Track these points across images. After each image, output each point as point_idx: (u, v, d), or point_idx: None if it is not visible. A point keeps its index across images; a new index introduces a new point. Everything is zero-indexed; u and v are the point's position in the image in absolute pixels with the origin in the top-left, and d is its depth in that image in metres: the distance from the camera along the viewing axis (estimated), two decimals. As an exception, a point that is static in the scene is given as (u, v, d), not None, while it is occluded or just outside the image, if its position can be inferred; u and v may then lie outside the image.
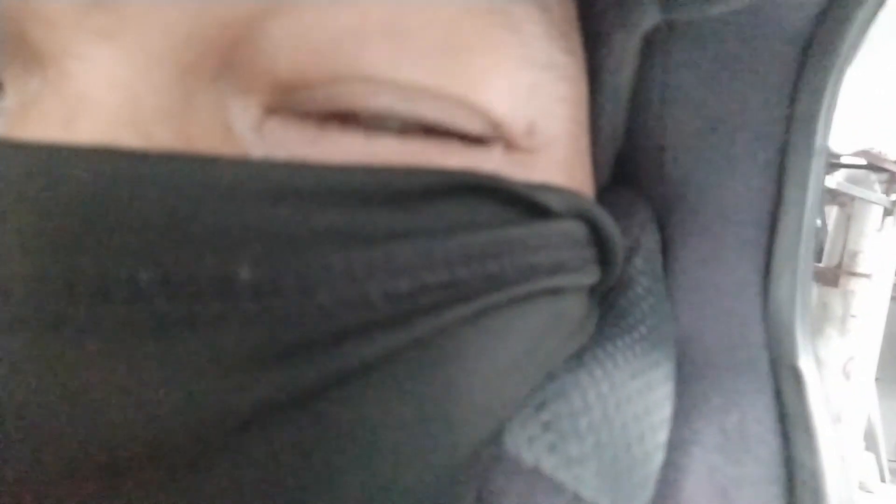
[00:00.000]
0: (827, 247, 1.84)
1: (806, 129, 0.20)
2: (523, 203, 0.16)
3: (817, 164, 0.20)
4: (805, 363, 0.19)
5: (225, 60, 0.13)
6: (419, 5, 0.14)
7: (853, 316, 1.73)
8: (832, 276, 1.77)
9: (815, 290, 1.81)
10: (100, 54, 0.13)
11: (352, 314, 0.13)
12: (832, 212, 1.83)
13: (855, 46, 0.20)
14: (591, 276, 0.18)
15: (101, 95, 0.13)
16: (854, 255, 1.75)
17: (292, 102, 0.14)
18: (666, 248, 0.23)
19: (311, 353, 0.12)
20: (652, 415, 0.18)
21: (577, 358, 0.18)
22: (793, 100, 0.20)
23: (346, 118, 0.15)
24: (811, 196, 0.20)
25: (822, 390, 0.19)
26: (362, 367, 0.13)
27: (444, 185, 0.14)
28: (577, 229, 0.17)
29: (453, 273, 0.14)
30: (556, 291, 0.17)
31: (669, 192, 0.22)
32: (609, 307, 0.20)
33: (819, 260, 1.84)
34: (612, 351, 0.18)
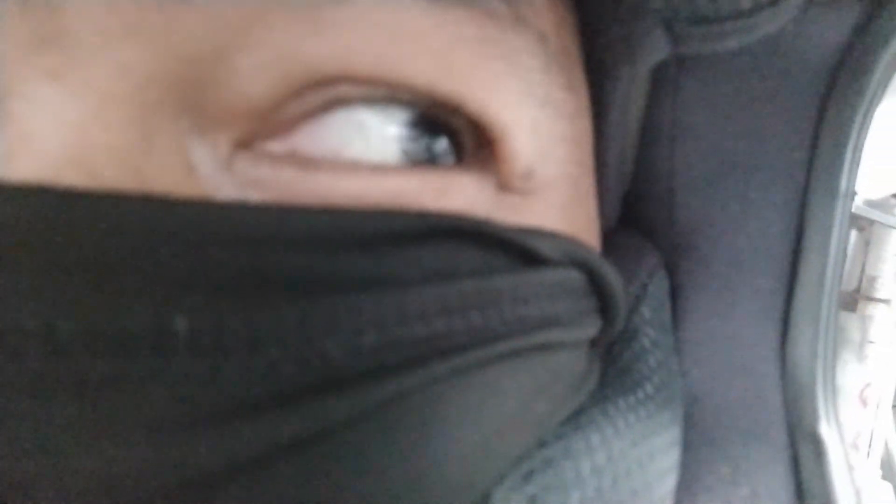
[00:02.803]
0: (845, 271, 1.80)
1: (830, 170, 0.19)
2: (513, 249, 0.14)
3: (842, 208, 0.19)
4: (827, 431, 0.18)
5: (189, 99, 0.12)
6: (406, 34, 0.13)
7: (871, 342, 1.68)
8: (850, 301, 1.72)
9: (832, 315, 1.77)
10: (46, 94, 0.12)
11: (307, 372, 0.11)
12: (851, 236, 1.79)
13: (884, 82, 0.18)
14: (590, 329, 0.17)
15: (46, 134, 0.12)
16: (873, 280, 1.70)
17: (265, 128, 0.13)
18: (675, 297, 0.21)
19: (256, 418, 0.11)
20: (653, 489, 0.16)
21: (573, 421, 0.16)
22: (815, 139, 0.19)
23: (324, 161, 0.13)
24: (835, 243, 0.19)
25: (845, 462, 0.17)
26: (317, 434, 0.12)
27: (423, 229, 0.13)
28: (574, 278, 0.16)
29: (429, 326, 0.13)
30: (549, 347, 0.15)
31: (679, 236, 0.21)
32: (612, 360, 0.19)
33: (837, 284, 1.79)
34: (612, 413, 0.16)
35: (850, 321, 1.77)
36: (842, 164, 0.18)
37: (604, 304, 0.17)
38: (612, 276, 0.17)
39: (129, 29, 0.12)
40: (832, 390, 0.18)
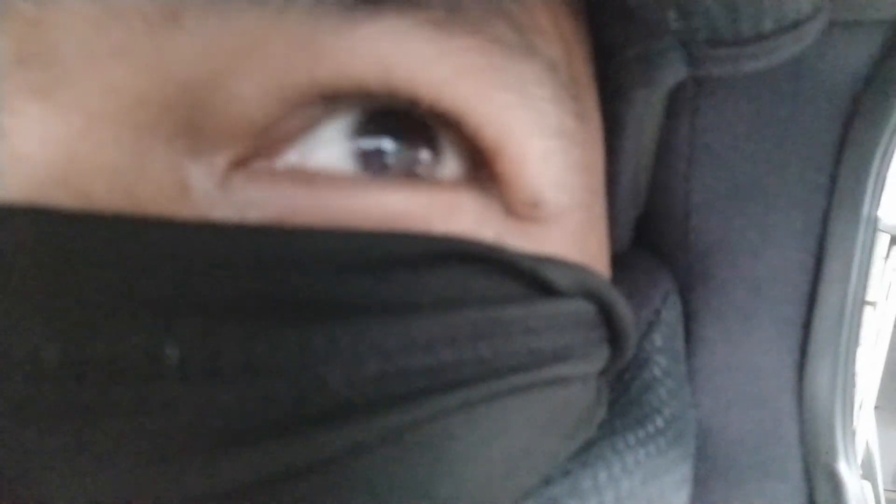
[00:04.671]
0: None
1: (852, 195, 0.18)
2: (525, 278, 0.14)
3: (865, 235, 0.18)
4: (845, 468, 0.17)
5: (184, 121, 0.12)
6: (406, 62, 0.12)
7: (858, 344, 1.71)
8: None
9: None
10: (34, 111, 0.11)
11: (305, 401, 0.11)
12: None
13: (910, 107, 0.18)
14: (600, 361, 0.16)
15: (34, 152, 0.11)
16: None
17: (263, 145, 0.13)
18: (689, 324, 0.20)
19: (251, 446, 0.11)
20: None
21: (581, 456, 0.16)
22: (837, 163, 0.18)
23: (326, 178, 0.13)
24: (856, 271, 0.18)
25: (863, 501, 0.17)
26: (314, 465, 0.11)
27: (432, 252, 0.12)
28: (586, 310, 0.15)
29: (436, 356, 0.12)
30: (560, 381, 0.15)
31: (695, 260, 0.20)
32: (622, 390, 0.18)
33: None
34: (621, 449, 0.16)
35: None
36: (864, 189, 0.18)
37: (614, 334, 0.16)
38: (622, 306, 0.16)
39: (117, 50, 0.11)
40: (851, 425, 0.17)
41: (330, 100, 0.13)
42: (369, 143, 0.14)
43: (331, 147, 0.13)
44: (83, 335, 0.10)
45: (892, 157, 0.18)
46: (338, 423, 0.11)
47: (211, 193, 0.12)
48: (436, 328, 0.12)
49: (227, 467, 0.11)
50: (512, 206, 0.14)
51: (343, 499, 0.11)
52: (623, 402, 0.17)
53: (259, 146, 0.12)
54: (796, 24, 0.16)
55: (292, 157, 0.13)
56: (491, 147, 0.13)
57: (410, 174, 0.14)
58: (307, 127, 0.13)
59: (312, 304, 0.11)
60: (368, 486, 0.12)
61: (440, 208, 0.13)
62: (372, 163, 0.14)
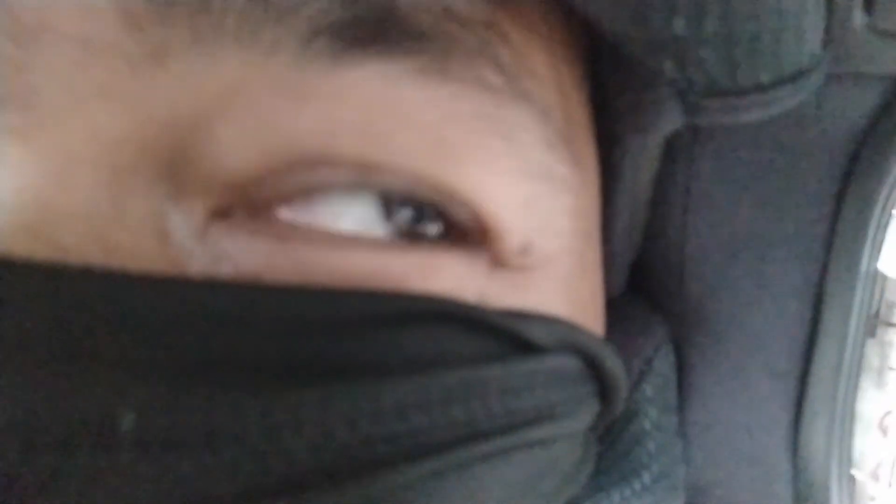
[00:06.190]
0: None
1: (850, 249, 0.18)
2: (504, 336, 0.13)
3: (863, 289, 0.18)
4: (841, 530, 0.17)
5: (166, 164, 0.12)
6: (394, 109, 0.12)
7: (891, 368, 1.66)
8: (869, 326, 1.70)
9: (851, 340, 1.75)
10: (13, 154, 0.11)
11: (269, 472, 0.11)
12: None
13: (910, 161, 0.17)
14: (587, 417, 0.16)
15: (8, 199, 0.11)
16: (892, 305, 1.68)
17: (243, 200, 0.12)
18: (682, 375, 0.20)
19: None
20: None
21: None
22: (836, 216, 0.18)
23: (305, 232, 0.13)
24: (854, 327, 0.18)
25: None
26: None
27: (405, 312, 0.12)
28: (571, 365, 0.15)
29: (406, 422, 0.12)
30: (542, 442, 0.14)
31: (689, 310, 0.20)
32: (610, 443, 0.18)
33: (856, 308, 1.77)
34: None
35: (869, 347, 1.75)
36: (863, 243, 0.17)
37: (603, 388, 0.16)
38: (611, 361, 0.16)
39: (101, 90, 0.11)
40: (848, 485, 0.17)
41: (312, 170, 0.12)
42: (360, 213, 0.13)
43: (317, 209, 0.13)
44: (34, 398, 0.10)
45: (891, 211, 0.17)
46: (301, 496, 0.11)
47: (188, 242, 0.12)
48: (407, 392, 0.12)
49: None
50: (499, 255, 0.14)
51: None
52: (610, 457, 0.17)
53: (238, 202, 0.12)
54: (794, 77, 0.15)
55: (283, 213, 0.13)
56: (479, 209, 0.13)
57: (410, 233, 0.14)
58: (289, 197, 0.13)
59: (278, 367, 0.11)
60: None
61: (419, 266, 0.13)
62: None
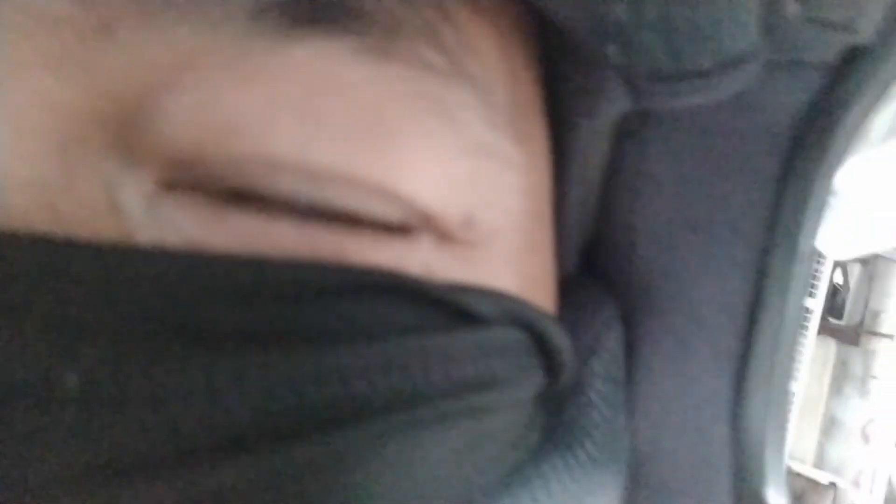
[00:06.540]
0: (848, 305, 1.79)
1: (790, 231, 0.18)
2: (446, 308, 0.14)
3: (801, 270, 0.18)
4: (774, 497, 0.17)
5: (117, 135, 0.12)
6: (335, 88, 0.13)
7: (874, 377, 1.67)
8: (853, 335, 1.71)
9: (835, 349, 1.76)
10: None
11: (210, 432, 0.11)
12: (854, 269, 1.78)
13: (846, 146, 0.18)
14: (532, 388, 0.16)
15: None
16: (876, 314, 1.69)
17: (189, 179, 0.13)
18: (630, 351, 0.21)
19: (153, 477, 0.11)
20: None
21: (505, 482, 0.16)
22: (778, 199, 0.19)
23: (248, 199, 0.13)
24: (792, 305, 0.18)
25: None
26: (216, 496, 0.11)
27: (346, 283, 0.13)
28: (515, 338, 0.15)
29: (347, 387, 0.12)
30: (484, 409, 0.15)
31: (638, 288, 0.20)
32: (557, 413, 0.18)
33: (840, 317, 1.79)
34: (548, 474, 0.16)
35: (852, 356, 1.77)
36: (802, 224, 0.18)
37: (549, 361, 0.17)
38: (556, 334, 0.16)
39: (49, 61, 0.11)
40: (782, 456, 0.18)
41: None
42: None
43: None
44: None
45: (829, 193, 0.18)
46: (243, 455, 0.11)
47: (137, 213, 0.12)
48: (348, 359, 0.12)
49: (129, 497, 0.11)
50: (444, 229, 0.15)
51: None
52: (555, 426, 0.18)
53: (188, 169, 0.13)
54: (735, 63, 0.16)
55: (220, 181, 0.13)
56: (408, 186, 0.14)
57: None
58: (236, 160, 0.13)
59: (222, 333, 0.11)
60: None
61: (363, 239, 0.14)
62: None
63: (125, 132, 0.12)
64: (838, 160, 0.18)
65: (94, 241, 0.11)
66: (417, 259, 0.14)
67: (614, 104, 0.17)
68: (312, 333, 0.12)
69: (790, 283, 0.18)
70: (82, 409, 0.10)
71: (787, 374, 0.18)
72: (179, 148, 0.12)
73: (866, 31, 0.17)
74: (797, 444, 1.74)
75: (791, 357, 0.18)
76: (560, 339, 0.16)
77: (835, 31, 0.17)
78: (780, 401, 0.18)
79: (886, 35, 0.17)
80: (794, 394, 1.58)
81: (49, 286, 0.10)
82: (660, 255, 0.20)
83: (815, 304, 1.65)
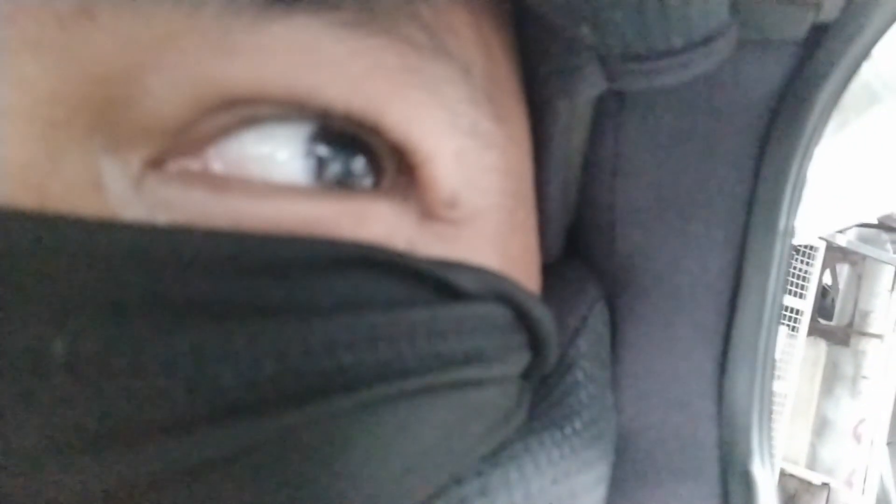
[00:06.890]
0: (838, 306, 1.80)
1: (769, 208, 0.19)
2: (430, 282, 0.14)
3: (781, 246, 0.19)
4: (759, 469, 0.17)
5: (100, 117, 0.12)
6: (321, 60, 0.13)
7: (865, 377, 1.68)
8: (843, 336, 1.73)
9: (825, 350, 1.77)
10: None
11: (198, 400, 0.11)
12: (843, 270, 1.79)
13: (822, 122, 0.18)
14: (518, 365, 0.16)
15: None
16: (865, 315, 1.71)
17: (176, 146, 0.13)
18: (615, 331, 0.21)
19: (141, 444, 0.11)
20: None
21: (493, 457, 0.16)
22: (755, 177, 0.19)
23: (238, 182, 0.13)
24: (773, 281, 0.19)
25: (775, 502, 0.17)
26: (205, 463, 0.11)
27: (334, 258, 0.13)
28: (499, 314, 0.16)
29: (334, 358, 0.12)
30: (469, 383, 0.15)
31: (620, 268, 0.21)
32: (545, 394, 0.18)
33: (830, 318, 1.80)
34: (535, 449, 0.16)
35: (843, 356, 1.78)
36: (781, 202, 0.18)
37: (534, 339, 0.17)
38: (538, 311, 0.16)
39: (31, 44, 0.11)
40: (768, 430, 0.18)
41: (244, 105, 0.13)
42: (293, 150, 0.14)
43: (251, 152, 0.14)
44: None
45: (806, 171, 0.18)
46: (230, 423, 0.11)
47: (124, 193, 0.12)
48: (335, 331, 0.12)
49: (117, 464, 0.11)
50: (429, 207, 0.15)
51: (234, 498, 0.12)
52: (543, 406, 0.18)
53: (172, 148, 0.13)
54: (705, 41, 0.16)
55: (206, 160, 0.13)
56: (405, 144, 0.14)
57: (340, 183, 0.14)
58: (223, 131, 0.13)
59: (210, 305, 0.11)
60: (261, 485, 0.12)
61: (349, 215, 0.14)
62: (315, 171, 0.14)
63: (109, 113, 0.12)
64: (814, 137, 0.18)
65: (81, 217, 0.11)
66: (403, 235, 0.14)
67: (589, 85, 0.17)
68: (300, 306, 0.12)
69: (770, 261, 0.19)
70: (69, 375, 0.10)
71: (770, 351, 0.18)
72: (166, 119, 0.12)
73: (832, 8, 0.17)
74: (790, 446, 1.74)
75: (773, 333, 0.18)
76: (542, 314, 0.16)
77: (802, 8, 0.17)
78: (766, 376, 0.18)
79: (850, 12, 0.17)
80: (785, 395, 1.59)
81: (37, 260, 0.11)
82: (640, 235, 0.20)
83: (805, 305, 1.67)
